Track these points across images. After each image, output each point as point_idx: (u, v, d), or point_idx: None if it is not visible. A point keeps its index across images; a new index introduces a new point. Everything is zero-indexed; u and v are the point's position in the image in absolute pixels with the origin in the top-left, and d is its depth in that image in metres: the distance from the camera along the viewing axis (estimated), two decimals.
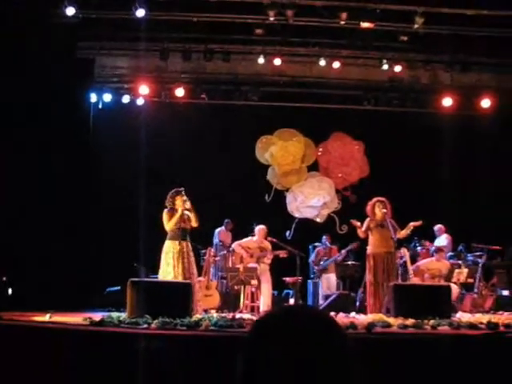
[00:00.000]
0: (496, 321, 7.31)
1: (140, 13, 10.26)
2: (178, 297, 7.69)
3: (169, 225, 8.92)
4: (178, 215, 8.93)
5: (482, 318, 8.37)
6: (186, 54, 12.15)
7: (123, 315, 7.51)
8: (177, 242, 8.87)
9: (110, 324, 6.66)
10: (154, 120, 12.51)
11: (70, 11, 10.16)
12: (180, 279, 8.64)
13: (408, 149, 13.05)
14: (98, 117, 12.52)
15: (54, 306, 8.12)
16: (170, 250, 8.84)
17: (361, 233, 9.89)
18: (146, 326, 6.65)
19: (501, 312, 10.26)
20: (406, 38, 11.46)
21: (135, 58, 12.57)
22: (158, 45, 11.94)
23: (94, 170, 11.82)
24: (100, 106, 12.79)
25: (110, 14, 10.80)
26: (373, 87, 13.36)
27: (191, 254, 8.99)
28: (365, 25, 10.96)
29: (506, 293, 11.78)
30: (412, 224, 9.83)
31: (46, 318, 7.22)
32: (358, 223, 9.92)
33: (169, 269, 8.75)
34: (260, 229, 10.97)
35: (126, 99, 12.96)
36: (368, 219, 9.83)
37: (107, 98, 12.83)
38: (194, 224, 9.03)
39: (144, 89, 12.53)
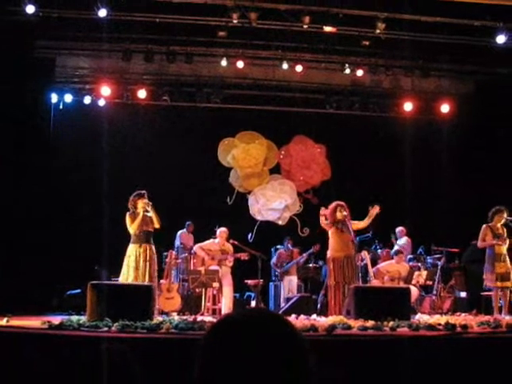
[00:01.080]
0: (453, 322, 7.42)
1: (102, 13, 10.17)
2: (139, 300, 7.62)
3: (132, 228, 8.94)
4: (139, 218, 8.93)
5: (440, 319, 8.48)
6: (149, 55, 12.08)
7: (83, 318, 7.42)
8: (139, 246, 8.87)
9: (70, 327, 6.56)
10: (116, 121, 12.42)
11: (30, 9, 10.02)
12: (140, 282, 8.61)
13: (369, 152, 13.22)
14: (59, 117, 12.37)
15: (12, 309, 7.98)
16: (132, 253, 8.85)
17: (324, 225, 9.73)
18: (106, 329, 6.58)
19: (458, 313, 10.43)
20: (367, 43, 11.59)
21: (97, 59, 12.45)
22: (121, 45, 11.85)
23: (54, 171, 11.65)
24: (61, 107, 12.64)
25: (71, 14, 10.67)
26: (335, 91, 13.47)
27: (154, 257, 8.98)
28: (327, 29, 11.05)
29: (463, 294, 12.00)
30: (371, 212, 9.74)
31: (4, 321, 7.09)
32: (326, 212, 9.71)
33: (130, 271, 8.76)
34: (221, 231, 10.96)
35: (87, 100, 12.83)
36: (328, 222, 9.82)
37: (68, 98, 12.70)
38: (157, 225, 9.04)
39: (106, 90, 12.43)
